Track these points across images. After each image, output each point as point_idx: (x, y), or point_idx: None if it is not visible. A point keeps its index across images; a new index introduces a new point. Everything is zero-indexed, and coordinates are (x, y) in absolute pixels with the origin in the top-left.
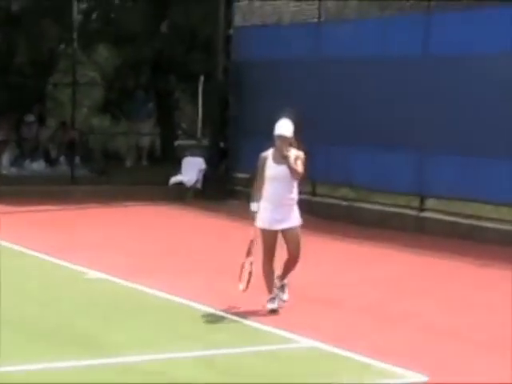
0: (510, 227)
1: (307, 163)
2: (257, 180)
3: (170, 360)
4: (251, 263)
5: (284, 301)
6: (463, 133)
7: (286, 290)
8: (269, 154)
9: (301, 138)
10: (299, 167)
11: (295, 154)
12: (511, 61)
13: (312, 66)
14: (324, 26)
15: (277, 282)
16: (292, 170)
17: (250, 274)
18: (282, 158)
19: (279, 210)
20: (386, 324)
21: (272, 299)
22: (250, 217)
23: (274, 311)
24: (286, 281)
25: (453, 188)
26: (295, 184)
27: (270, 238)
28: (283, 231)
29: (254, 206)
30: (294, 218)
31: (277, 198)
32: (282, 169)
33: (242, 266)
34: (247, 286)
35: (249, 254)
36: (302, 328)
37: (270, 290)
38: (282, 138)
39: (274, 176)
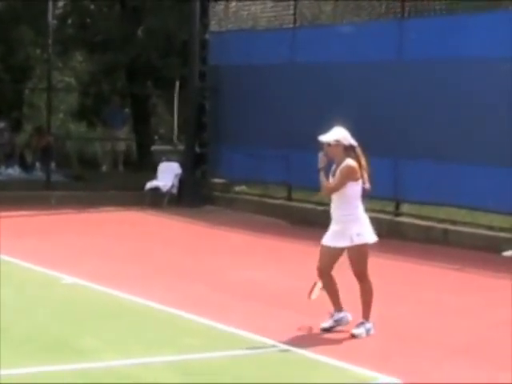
0: (485, 231)
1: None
2: None
3: (144, 365)
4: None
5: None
6: (438, 138)
7: (364, 328)
8: None
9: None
10: (329, 182)
11: (343, 164)
12: (486, 67)
13: (287, 70)
14: (299, 31)
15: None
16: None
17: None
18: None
19: (336, 226)
20: None
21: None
22: None
23: (325, 330)
24: (336, 317)
25: (428, 193)
26: (348, 199)
27: (325, 252)
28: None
29: None
30: (347, 238)
31: (333, 215)
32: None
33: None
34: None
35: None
36: (274, 333)
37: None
38: (324, 144)
39: None
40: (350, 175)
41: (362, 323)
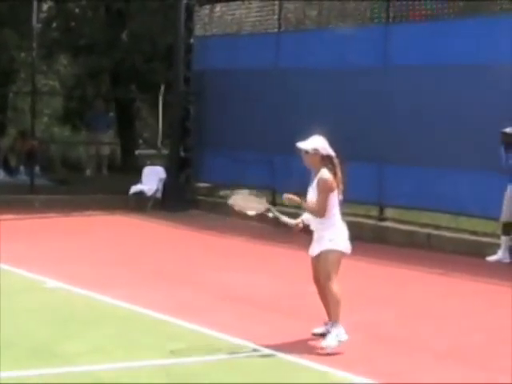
0: (468, 236)
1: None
2: None
3: (128, 369)
4: (255, 213)
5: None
6: (422, 143)
7: (331, 336)
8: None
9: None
10: (315, 204)
11: (319, 177)
12: (468, 73)
13: (272, 75)
14: (284, 35)
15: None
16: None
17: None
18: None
19: (315, 236)
20: None
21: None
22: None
23: (315, 335)
24: (329, 326)
25: (412, 198)
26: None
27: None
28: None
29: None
30: (321, 244)
31: (312, 224)
32: (310, 192)
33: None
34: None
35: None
36: (258, 337)
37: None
38: (302, 151)
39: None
40: (327, 189)
41: (329, 331)
